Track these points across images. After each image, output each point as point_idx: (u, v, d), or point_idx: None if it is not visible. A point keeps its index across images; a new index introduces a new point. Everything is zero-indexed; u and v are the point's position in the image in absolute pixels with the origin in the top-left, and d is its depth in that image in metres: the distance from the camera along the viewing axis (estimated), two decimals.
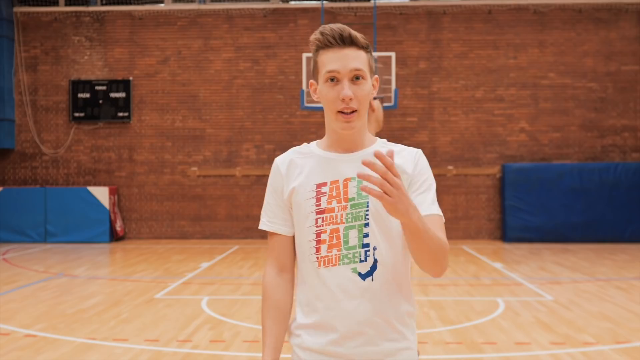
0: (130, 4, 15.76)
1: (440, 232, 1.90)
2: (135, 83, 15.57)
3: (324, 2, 15.09)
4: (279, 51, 15.40)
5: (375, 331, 1.95)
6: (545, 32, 15.21)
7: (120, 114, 15.46)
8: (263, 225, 2.10)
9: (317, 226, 1.97)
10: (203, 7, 15.52)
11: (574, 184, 14.34)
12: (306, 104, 13.23)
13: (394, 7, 15.30)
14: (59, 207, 14.57)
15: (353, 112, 1.96)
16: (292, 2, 15.72)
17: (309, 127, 15.28)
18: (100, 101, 15.48)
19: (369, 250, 1.94)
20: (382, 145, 2.06)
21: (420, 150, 2.05)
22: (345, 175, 1.99)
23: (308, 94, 13.26)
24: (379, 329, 1.95)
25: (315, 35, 1.98)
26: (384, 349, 1.96)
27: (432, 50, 15.20)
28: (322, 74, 1.98)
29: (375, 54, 12.13)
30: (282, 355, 2.05)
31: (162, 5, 15.72)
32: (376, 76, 2.06)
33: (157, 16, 15.62)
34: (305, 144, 2.12)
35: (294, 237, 2.09)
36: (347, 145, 2.03)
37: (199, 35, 15.54)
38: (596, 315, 7.14)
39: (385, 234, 1.96)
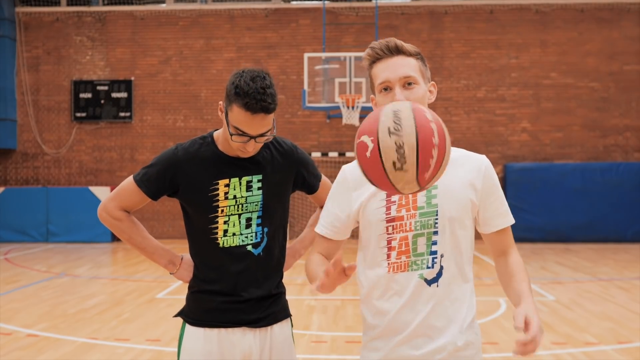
0: (132, 4, 15.77)
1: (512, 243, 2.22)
2: (136, 83, 15.57)
3: (326, 2, 15.09)
4: (281, 51, 15.39)
5: (437, 334, 2.01)
6: (547, 31, 15.19)
7: (122, 114, 15.47)
8: (317, 228, 2.18)
9: (387, 234, 2.03)
10: (205, 7, 15.52)
11: (576, 184, 14.31)
12: (308, 104, 13.23)
13: (396, 7, 15.29)
14: (60, 206, 14.58)
15: None
16: (294, 2, 15.71)
17: (310, 127, 15.27)
18: (102, 101, 15.50)
19: (436, 258, 2.01)
20: None
21: (484, 158, 2.12)
22: None
23: (310, 93, 13.26)
24: (441, 332, 2.01)
25: (366, 51, 2.08)
26: (446, 349, 2.01)
27: (433, 50, 15.18)
28: (377, 86, 2.05)
29: None
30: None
31: (163, 5, 15.72)
32: (432, 82, 2.14)
33: (158, 16, 15.62)
34: None
35: (338, 243, 2.17)
36: None
37: (200, 35, 15.54)
38: (598, 315, 7.12)
39: (453, 242, 2.03)
